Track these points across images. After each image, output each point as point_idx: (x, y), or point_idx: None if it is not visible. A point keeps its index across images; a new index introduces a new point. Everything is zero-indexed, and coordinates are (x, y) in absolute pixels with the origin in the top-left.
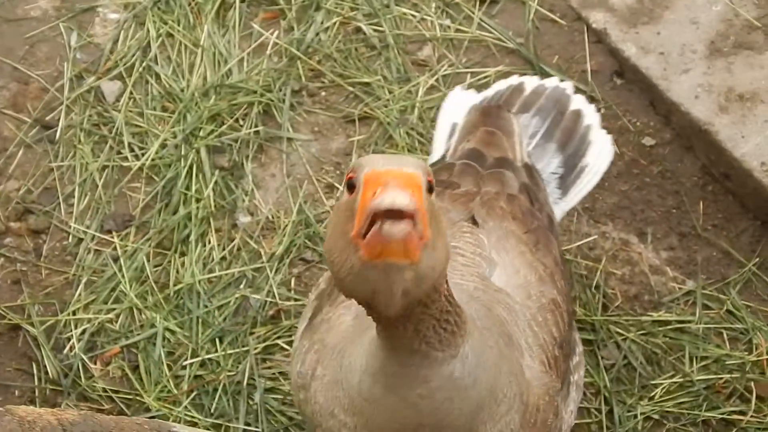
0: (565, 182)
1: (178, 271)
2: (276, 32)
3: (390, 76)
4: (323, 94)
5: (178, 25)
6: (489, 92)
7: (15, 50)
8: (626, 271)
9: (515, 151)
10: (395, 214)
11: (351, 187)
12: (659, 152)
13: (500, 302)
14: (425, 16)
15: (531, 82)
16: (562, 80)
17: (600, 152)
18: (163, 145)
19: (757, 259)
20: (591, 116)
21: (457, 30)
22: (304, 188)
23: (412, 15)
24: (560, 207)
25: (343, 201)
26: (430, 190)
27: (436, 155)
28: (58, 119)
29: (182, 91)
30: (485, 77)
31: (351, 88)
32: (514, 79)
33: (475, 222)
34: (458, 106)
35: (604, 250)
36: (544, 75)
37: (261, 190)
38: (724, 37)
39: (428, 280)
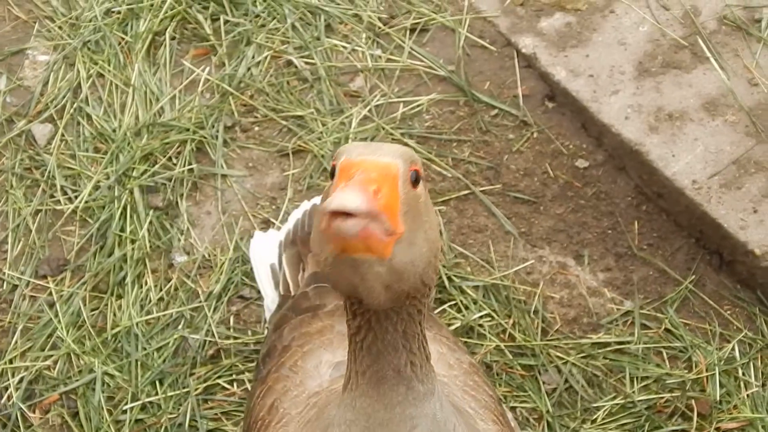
0: None
1: (115, 314)
2: (207, 68)
3: (323, 108)
4: (256, 128)
5: (109, 65)
6: (289, 224)
7: None
8: (564, 295)
9: None
10: (348, 212)
11: (332, 175)
12: (593, 174)
13: None
14: (356, 47)
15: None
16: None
17: None
18: (96, 187)
19: (693, 277)
20: None
21: (388, 60)
22: (240, 224)
23: (343, 47)
24: None
25: (325, 189)
26: (416, 180)
27: (270, 301)
28: None
29: (114, 131)
30: (418, 105)
31: (284, 122)
32: (305, 204)
33: None
34: (267, 247)
35: (542, 275)
36: (477, 101)
37: (197, 228)
38: (652, 57)
39: (409, 274)
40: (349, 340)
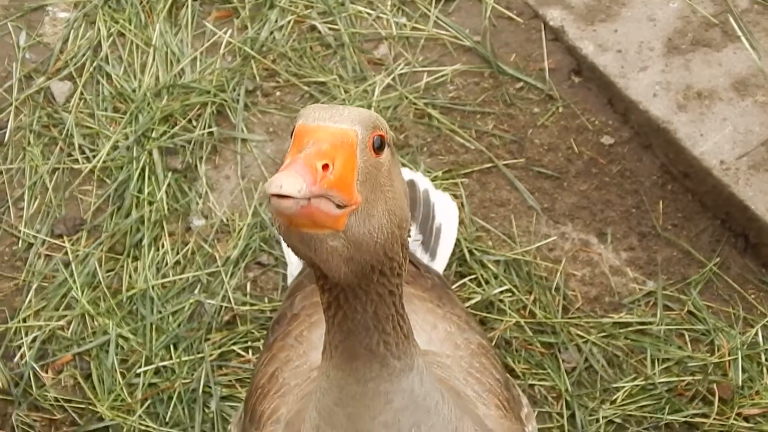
0: (429, 246)
1: (131, 276)
2: (229, 31)
3: (346, 75)
4: (278, 93)
5: (130, 24)
6: None
7: None
8: (586, 273)
9: None
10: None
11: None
12: (618, 151)
13: (429, 363)
14: (381, 15)
15: None
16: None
17: (446, 209)
18: (115, 147)
19: (718, 259)
20: (423, 181)
21: (413, 28)
22: (259, 190)
23: (368, 13)
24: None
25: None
26: (379, 147)
27: (294, 268)
28: (7, 121)
29: (134, 91)
30: (442, 76)
31: (306, 88)
32: None
33: None
34: None
35: (564, 251)
36: (502, 73)
37: (215, 192)
38: (682, 35)
39: (369, 246)
40: (324, 313)
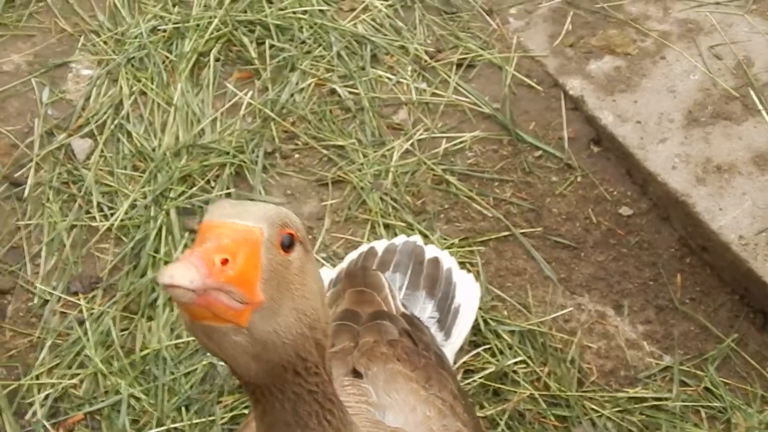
0: (445, 325)
1: (144, 336)
2: (250, 92)
3: (364, 139)
4: (296, 156)
5: (152, 83)
6: (343, 264)
7: None
8: (602, 345)
9: (389, 304)
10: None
11: None
12: (636, 222)
13: None
14: (401, 80)
15: (380, 244)
16: (408, 235)
17: (467, 290)
18: (133, 206)
19: (736, 335)
20: (448, 260)
21: (433, 94)
22: None
23: (388, 78)
24: (448, 348)
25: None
26: (289, 244)
27: None
28: (27, 176)
29: (154, 150)
30: (461, 142)
31: (325, 151)
32: (363, 246)
33: (357, 373)
34: None
35: (580, 323)
36: (521, 141)
37: None
38: (702, 107)
39: (275, 345)
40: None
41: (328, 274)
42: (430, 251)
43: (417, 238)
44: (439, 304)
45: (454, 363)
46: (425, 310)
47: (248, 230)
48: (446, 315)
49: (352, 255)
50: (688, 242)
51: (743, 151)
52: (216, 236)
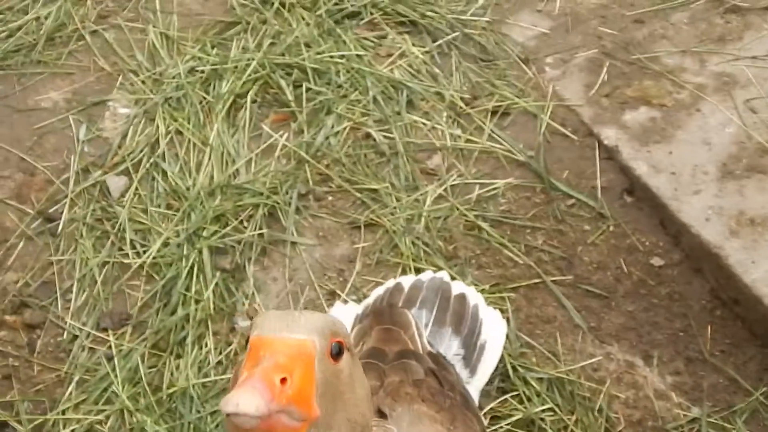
0: (470, 362)
1: (172, 374)
2: (285, 134)
3: (398, 183)
4: (330, 198)
5: (188, 123)
6: (369, 300)
7: (23, 141)
8: (630, 395)
9: (416, 342)
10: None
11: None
12: (668, 273)
13: None
14: (436, 125)
15: (407, 280)
16: (435, 271)
17: (493, 327)
18: (166, 244)
19: (765, 388)
20: (474, 296)
21: (468, 140)
22: (306, 294)
23: (423, 123)
24: (473, 386)
25: (236, 365)
26: (339, 352)
27: None
28: (62, 212)
29: (188, 189)
30: (494, 189)
31: (358, 194)
32: (390, 282)
33: (382, 414)
34: (343, 317)
35: (609, 372)
36: (554, 189)
37: (262, 294)
38: (737, 160)
39: None
40: None
41: (354, 309)
42: (457, 287)
43: (444, 275)
44: (465, 340)
45: (482, 408)
46: (451, 347)
47: (301, 344)
48: (472, 352)
49: (379, 290)
50: (720, 294)
51: None
52: (271, 353)
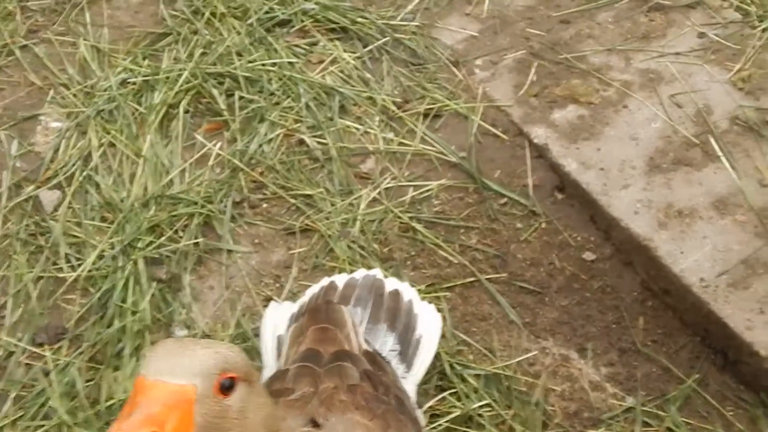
0: (407, 357)
1: (110, 386)
2: (219, 143)
3: (332, 188)
4: (265, 205)
5: (121, 135)
6: (305, 298)
7: None
8: (566, 387)
9: (351, 341)
10: None
11: None
12: (599, 267)
13: None
14: (369, 129)
15: (341, 278)
16: (366, 268)
17: (428, 321)
18: (101, 256)
19: (697, 376)
20: (408, 292)
21: (400, 143)
22: (243, 301)
23: (356, 128)
24: (409, 381)
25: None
26: (228, 387)
27: (268, 372)
28: None
29: (122, 201)
30: (428, 190)
31: (293, 200)
32: (324, 281)
33: (315, 424)
34: (279, 317)
35: (544, 366)
36: (487, 189)
37: (198, 303)
38: (664, 154)
39: None
40: None
41: (290, 308)
42: (391, 284)
43: (377, 272)
44: (401, 336)
45: (421, 406)
46: (387, 344)
47: (180, 391)
48: (408, 347)
49: (313, 289)
50: (650, 286)
51: (703, 196)
52: (147, 401)
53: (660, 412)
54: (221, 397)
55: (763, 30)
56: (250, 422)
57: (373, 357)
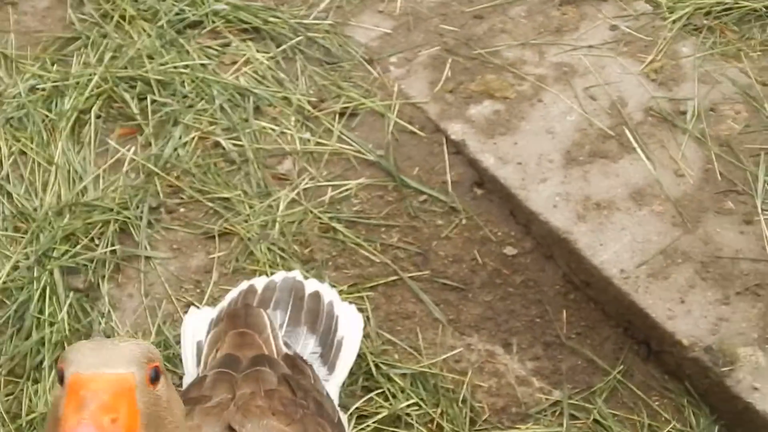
0: (328, 359)
1: (31, 400)
2: (133, 148)
3: (250, 190)
4: (182, 210)
5: (32, 143)
6: (224, 303)
7: None
8: (493, 383)
9: (270, 345)
10: None
11: (61, 379)
12: (521, 261)
13: None
14: (285, 130)
15: (260, 282)
16: (288, 270)
17: (349, 322)
18: (15, 267)
19: (622, 367)
20: (329, 293)
21: (317, 143)
22: (163, 308)
23: (272, 129)
24: (332, 383)
25: (55, 393)
26: (155, 378)
27: (189, 378)
28: None
29: (35, 210)
30: (346, 190)
31: (210, 204)
32: (243, 284)
33: (232, 430)
34: (198, 323)
35: (470, 363)
36: (406, 187)
37: (118, 311)
38: (580, 146)
39: None
40: None
41: (209, 314)
42: (311, 286)
43: (296, 273)
44: (322, 338)
45: (347, 408)
46: (307, 346)
47: (122, 379)
48: (329, 349)
49: (233, 293)
50: (572, 278)
51: (621, 188)
52: (93, 393)
53: (587, 405)
54: (151, 387)
55: (674, 21)
56: (176, 416)
57: (293, 360)
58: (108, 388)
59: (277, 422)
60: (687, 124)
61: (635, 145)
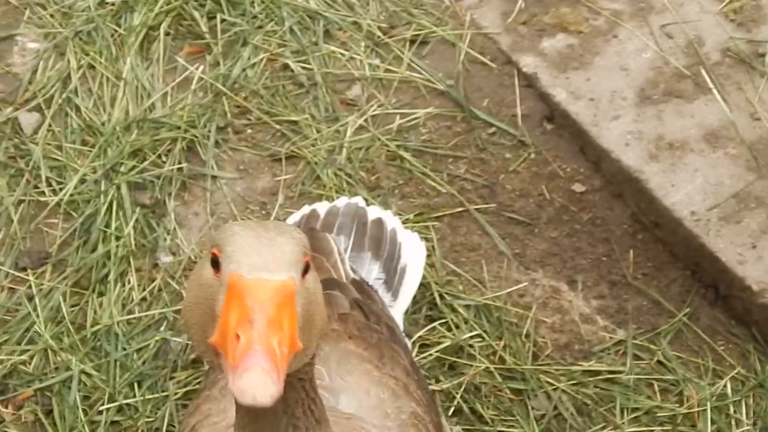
0: (392, 286)
1: (95, 312)
2: (201, 67)
3: (318, 115)
4: (249, 131)
5: (100, 57)
6: None
7: None
8: (556, 320)
9: (339, 270)
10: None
11: (215, 264)
12: (589, 199)
13: (355, 430)
14: (354, 55)
15: (322, 207)
16: (350, 197)
17: (412, 250)
18: (83, 181)
19: (688, 309)
20: (392, 220)
21: (387, 70)
22: None
23: (341, 53)
24: (396, 310)
25: (207, 277)
26: (307, 269)
27: None
28: None
29: (103, 124)
30: (415, 118)
31: (278, 126)
32: (305, 209)
33: None
34: None
35: (534, 298)
36: (475, 118)
37: (183, 229)
38: (654, 85)
39: (298, 365)
40: None
41: None
42: (373, 212)
43: (359, 200)
44: (385, 264)
45: (410, 336)
46: (372, 272)
47: (284, 287)
48: (393, 276)
49: (294, 217)
50: (641, 218)
51: (695, 129)
52: (259, 305)
53: (651, 346)
54: (302, 281)
55: None
56: (322, 307)
57: (361, 285)
58: (272, 298)
59: (354, 347)
60: (765, 66)
61: (711, 85)
